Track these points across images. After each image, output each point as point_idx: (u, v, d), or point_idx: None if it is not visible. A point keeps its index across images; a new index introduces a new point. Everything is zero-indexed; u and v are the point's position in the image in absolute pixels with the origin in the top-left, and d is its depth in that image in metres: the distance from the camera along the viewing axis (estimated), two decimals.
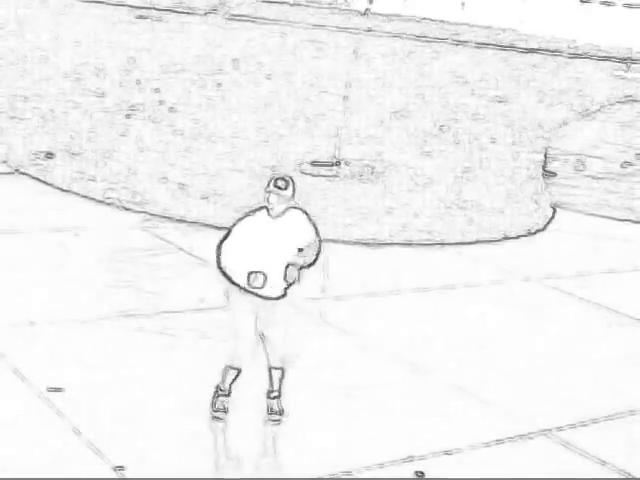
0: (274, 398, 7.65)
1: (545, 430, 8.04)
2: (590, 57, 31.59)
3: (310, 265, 7.55)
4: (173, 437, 7.29)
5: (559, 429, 8.08)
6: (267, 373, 7.65)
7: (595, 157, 18.65)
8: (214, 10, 32.82)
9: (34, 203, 12.55)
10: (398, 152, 17.12)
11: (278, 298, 7.48)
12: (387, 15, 35.95)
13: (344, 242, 12.19)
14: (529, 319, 10.50)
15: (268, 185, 7.41)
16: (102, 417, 7.45)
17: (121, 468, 6.83)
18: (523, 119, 21.17)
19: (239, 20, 31.83)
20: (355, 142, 17.26)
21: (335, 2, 38.15)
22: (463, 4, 35.75)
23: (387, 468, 7.24)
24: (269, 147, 16.43)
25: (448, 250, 12.50)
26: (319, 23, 32.78)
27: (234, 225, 7.49)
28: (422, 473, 7.14)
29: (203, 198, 13.31)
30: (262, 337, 7.56)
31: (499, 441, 7.79)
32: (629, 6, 34.54)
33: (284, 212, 7.43)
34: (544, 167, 17.51)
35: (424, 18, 36.31)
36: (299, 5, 36.76)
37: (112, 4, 31.71)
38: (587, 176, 17.30)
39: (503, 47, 31.74)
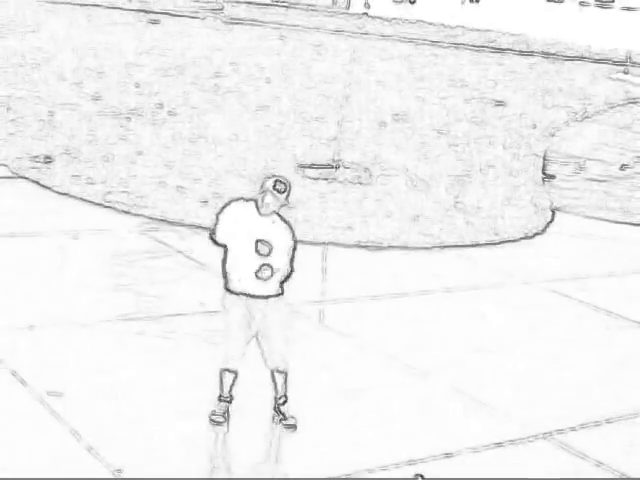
0: (283, 404, 7.64)
1: (545, 433, 8.04)
2: (589, 60, 31.61)
3: (284, 278, 7.56)
4: (173, 441, 7.29)
5: (559, 432, 8.09)
6: (270, 378, 7.64)
7: (594, 160, 18.66)
8: (213, 13, 32.83)
9: (33, 207, 12.54)
10: (397, 155, 17.13)
11: (271, 296, 7.48)
12: (385, 18, 35.97)
13: (343, 245, 12.19)
14: (528, 322, 10.50)
15: (264, 184, 7.44)
16: (102, 421, 7.45)
17: (120, 471, 6.83)
18: (522, 122, 21.18)
19: (238, 23, 31.85)
20: (354, 145, 17.27)
21: (334, 5, 38.18)
22: (463, 2, 35.74)
23: (387, 470, 7.24)
24: (268, 150, 16.43)
25: (447, 253, 12.50)
26: (318, 26, 32.80)
27: (221, 210, 7.53)
28: (422, 476, 7.14)
29: (202, 201, 13.31)
30: (259, 340, 7.56)
31: (499, 444, 7.80)
32: (627, 9, 34.57)
33: (271, 214, 7.48)
34: (543, 170, 17.52)
35: (421, 21, 36.33)
36: (298, 8, 36.78)
37: (111, 7, 31.72)
38: (586, 179, 17.31)
39: (502, 50, 31.76)
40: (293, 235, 7.58)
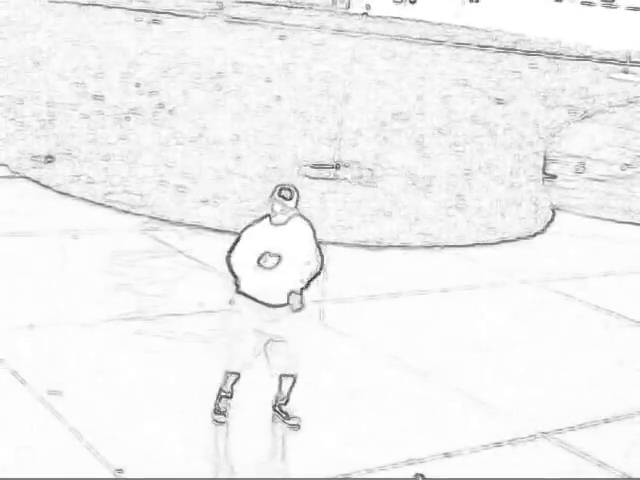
0: (286, 403, 7.64)
1: (545, 432, 8.04)
2: (589, 59, 31.61)
3: (315, 276, 7.59)
4: (173, 440, 7.29)
5: (559, 431, 8.09)
6: (277, 381, 7.62)
7: (595, 159, 18.65)
8: (214, 13, 32.83)
9: (34, 206, 12.55)
10: (397, 154, 17.13)
11: (285, 305, 7.46)
12: (385, 17, 35.97)
13: (344, 244, 12.19)
14: (528, 321, 10.50)
15: (273, 193, 7.45)
16: (102, 420, 7.46)
17: (121, 471, 6.83)
18: (523, 121, 21.18)
19: (239, 23, 31.85)
20: (355, 145, 17.27)
21: (334, 5, 38.18)
22: (463, 2, 35.74)
23: (387, 470, 7.24)
24: (269, 150, 16.43)
25: (447, 252, 12.50)
26: (318, 26, 32.80)
27: (242, 232, 7.54)
28: (422, 475, 7.15)
29: (202, 201, 13.32)
30: (267, 347, 7.53)
31: (499, 443, 7.80)
32: (634, 9, 34.56)
33: (287, 221, 7.45)
34: (544, 169, 17.52)
35: (422, 20, 36.32)
36: (298, 8, 36.78)
37: (111, 7, 31.72)
38: (587, 178, 17.31)
39: (502, 49, 31.75)
40: (314, 234, 7.56)
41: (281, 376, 7.61)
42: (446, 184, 15.60)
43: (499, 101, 22.96)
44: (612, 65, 30.69)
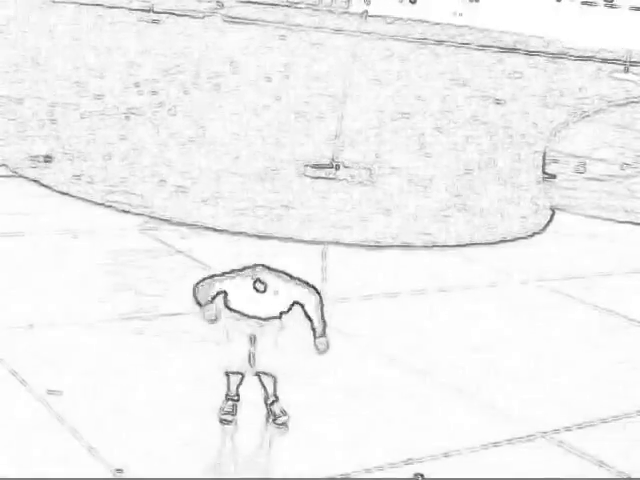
0: (273, 403, 7.62)
1: (544, 432, 8.04)
2: (589, 59, 31.60)
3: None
4: (174, 440, 7.30)
5: (557, 431, 8.09)
6: (258, 380, 7.60)
7: (595, 159, 18.65)
8: (213, 12, 32.83)
9: (32, 206, 12.55)
10: (397, 154, 17.13)
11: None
12: (385, 17, 35.97)
13: (343, 244, 12.19)
14: (528, 321, 10.50)
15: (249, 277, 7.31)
16: (102, 420, 7.46)
17: (121, 471, 6.83)
18: (522, 121, 21.18)
19: (238, 22, 31.84)
20: (354, 144, 17.27)
21: (333, 4, 38.17)
22: (460, 14, 35.76)
23: (386, 470, 7.24)
24: (268, 149, 16.43)
25: (446, 252, 12.50)
26: (317, 25, 32.79)
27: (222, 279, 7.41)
28: (421, 475, 7.15)
29: (202, 201, 13.32)
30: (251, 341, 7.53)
31: (498, 443, 7.80)
32: (637, 9, 34.55)
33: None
34: (543, 169, 17.52)
35: (422, 20, 36.32)
36: (297, 7, 36.78)
37: (110, 6, 31.72)
38: (586, 178, 17.31)
39: (502, 49, 31.75)
40: (304, 285, 7.46)
41: (259, 375, 7.55)
42: (445, 184, 15.60)
43: (499, 101, 22.96)
44: (613, 65, 30.70)
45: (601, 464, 7.67)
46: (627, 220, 15.03)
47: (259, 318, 7.42)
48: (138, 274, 10.48)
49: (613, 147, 19.86)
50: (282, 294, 7.36)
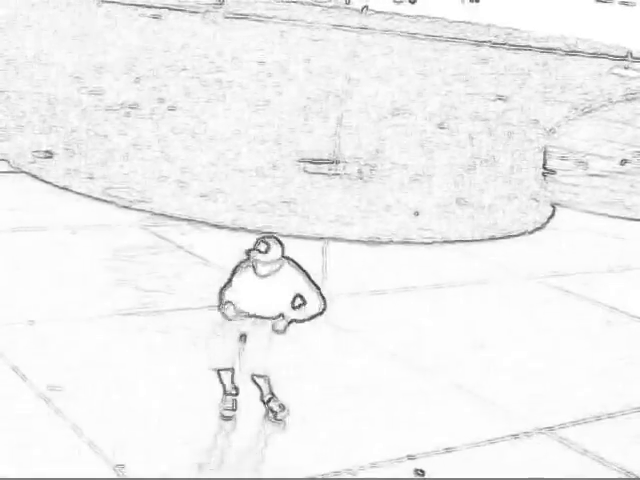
0: (269, 401, 7.63)
1: (545, 428, 8.05)
2: (590, 55, 31.59)
3: (313, 317, 7.56)
4: (174, 436, 7.30)
5: (559, 427, 8.09)
6: (251, 381, 7.60)
7: (595, 155, 18.65)
8: (214, 8, 32.81)
9: (33, 201, 12.55)
10: (397, 150, 17.12)
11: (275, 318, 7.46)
12: (386, 13, 35.94)
13: (343, 240, 12.19)
14: (528, 317, 10.50)
15: (253, 247, 7.31)
16: (103, 416, 7.46)
17: (122, 467, 6.84)
18: (523, 117, 21.17)
19: (239, 18, 31.82)
20: (354, 140, 17.26)
21: (334, 0, 38.14)
22: (463, 1, 35.74)
23: (387, 466, 7.24)
24: (269, 145, 16.43)
25: (447, 248, 12.50)
26: (318, 21, 32.77)
27: (232, 274, 7.45)
28: (422, 471, 7.15)
29: (203, 196, 13.31)
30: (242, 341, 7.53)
31: (499, 439, 7.80)
32: (625, 3, 34.54)
33: (274, 272, 7.37)
34: (544, 165, 17.51)
35: (421, 16, 36.28)
36: (298, 3, 36.76)
37: (111, 2, 31.69)
38: (587, 174, 17.30)
39: (502, 45, 31.73)
40: (308, 281, 7.46)
41: (252, 377, 7.55)
42: (446, 180, 15.59)
43: (500, 97, 22.94)
44: (614, 61, 30.67)
45: (601, 460, 7.68)
46: (628, 216, 15.03)
47: (259, 317, 7.42)
48: (138, 270, 10.48)
49: (614, 143, 19.85)
50: (285, 281, 7.38)
